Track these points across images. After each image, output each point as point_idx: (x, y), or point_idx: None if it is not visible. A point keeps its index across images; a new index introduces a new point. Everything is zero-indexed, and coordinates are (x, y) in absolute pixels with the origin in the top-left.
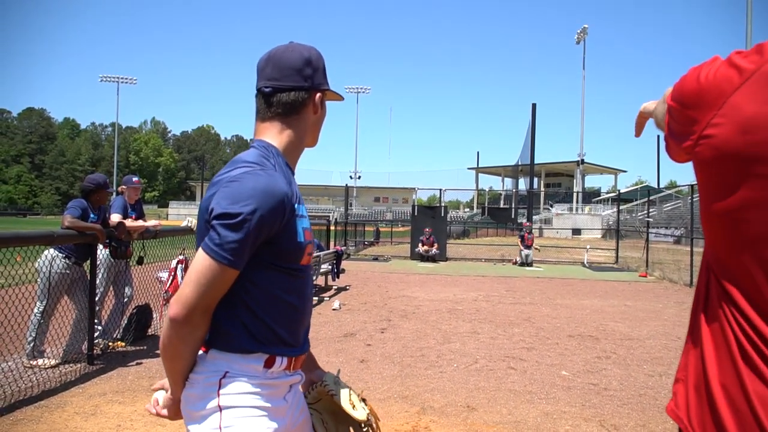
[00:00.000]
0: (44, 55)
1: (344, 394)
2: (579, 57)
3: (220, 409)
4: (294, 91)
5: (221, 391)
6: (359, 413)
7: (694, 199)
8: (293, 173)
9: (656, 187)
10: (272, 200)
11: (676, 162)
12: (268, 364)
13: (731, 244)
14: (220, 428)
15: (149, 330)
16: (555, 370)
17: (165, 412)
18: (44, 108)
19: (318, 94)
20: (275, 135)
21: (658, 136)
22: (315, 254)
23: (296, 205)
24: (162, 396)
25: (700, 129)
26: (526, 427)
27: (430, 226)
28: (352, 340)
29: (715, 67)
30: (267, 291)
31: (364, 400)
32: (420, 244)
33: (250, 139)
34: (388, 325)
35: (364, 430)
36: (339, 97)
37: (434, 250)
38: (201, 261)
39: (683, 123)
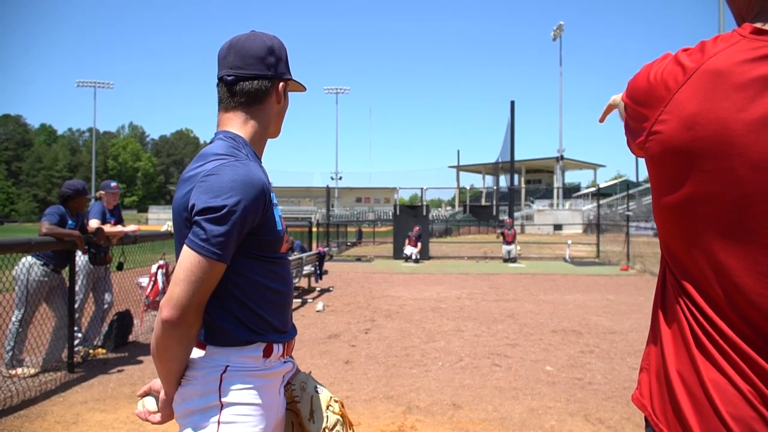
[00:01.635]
0: (19, 61)
1: (307, 400)
2: (556, 54)
3: (222, 405)
4: (257, 80)
5: (223, 387)
6: (316, 426)
7: None
8: (260, 163)
9: (635, 180)
10: (254, 190)
11: (636, 156)
12: (267, 353)
13: (681, 238)
14: (219, 423)
15: (130, 336)
16: (539, 366)
17: (157, 417)
18: (20, 114)
19: (281, 84)
20: (240, 125)
21: None
22: (297, 256)
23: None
24: (151, 401)
25: (650, 125)
26: (512, 423)
27: (415, 225)
28: (336, 341)
29: (664, 65)
30: (254, 281)
31: (340, 404)
32: (407, 241)
33: (216, 132)
34: (372, 325)
35: None
36: (302, 88)
37: (416, 252)
38: (188, 258)
39: (636, 119)
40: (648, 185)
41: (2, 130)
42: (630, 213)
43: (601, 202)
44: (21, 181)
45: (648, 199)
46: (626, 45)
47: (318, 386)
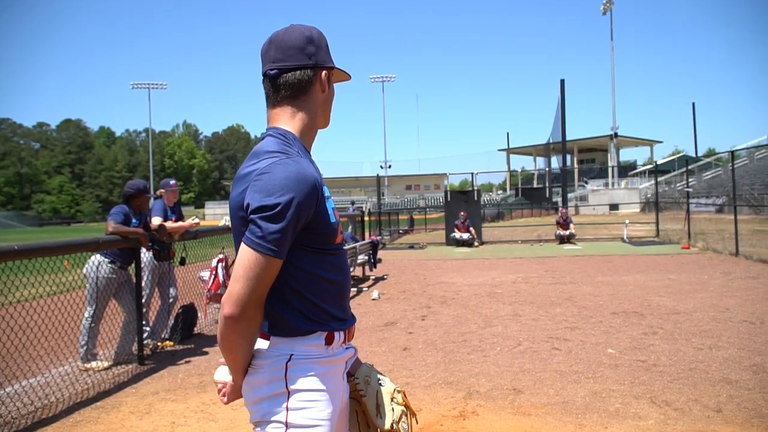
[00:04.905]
0: (77, 67)
1: (372, 394)
2: (605, 28)
3: (289, 392)
4: (299, 71)
5: (289, 375)
6: (383, 421)
7: (735, 166)
8: (310, 155)
9: (694, 156)
10: (306, 186)
11: None
12: (328, 340)
13: None
14: (287, 410)
15: (195, 329)
16: (601, 349)
17: (224, 399)
18: (80, 118)
19: (323, 72)
20: (288, 120)
21: (693, 103)
22: (351, 245)
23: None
24: (225, 370)
25: None
26: (575, 406)
27: (464, 210)
28: (393, 328)
29: None
30: (311, 273)
31: (403, 394)
32: (455, 229)
33: (266, 129)
34: (428, 312)
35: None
36: (346, 76)
37: (469, 236)
38: (246, 256)
39: None
40: (708, 160)
41: (65, 135)
42: (690, 189)
43: (659, 179)
44: (84, 183)
45: (708, 175)
46: (678, 16)
47: (381, 378)
